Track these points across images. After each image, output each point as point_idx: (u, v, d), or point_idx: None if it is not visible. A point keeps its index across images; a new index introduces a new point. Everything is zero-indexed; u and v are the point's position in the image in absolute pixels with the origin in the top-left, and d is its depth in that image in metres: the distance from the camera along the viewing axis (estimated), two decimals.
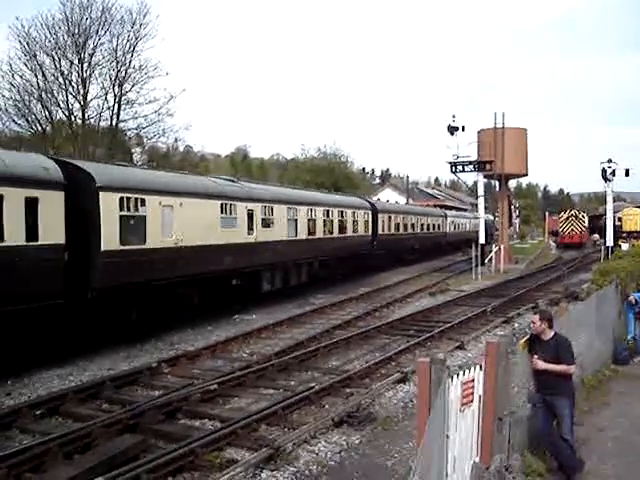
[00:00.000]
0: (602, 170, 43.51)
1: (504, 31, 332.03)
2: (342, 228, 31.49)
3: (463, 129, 40.05)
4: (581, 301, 16.40)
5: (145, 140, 45.29)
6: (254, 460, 8.39)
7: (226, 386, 12.20)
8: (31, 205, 13.38)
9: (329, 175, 65.78)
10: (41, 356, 14.09)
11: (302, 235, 26.81)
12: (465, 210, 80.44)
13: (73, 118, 40.87)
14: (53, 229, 13.96)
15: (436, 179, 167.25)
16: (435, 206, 68.50)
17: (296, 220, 26.29)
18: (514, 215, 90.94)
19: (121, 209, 15.94)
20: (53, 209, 13.97)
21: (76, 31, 39.67)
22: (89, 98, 40.71)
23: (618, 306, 15.02)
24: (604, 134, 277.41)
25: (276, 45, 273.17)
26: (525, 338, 8.21)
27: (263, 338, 17.75)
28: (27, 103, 39.35)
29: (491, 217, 57.19)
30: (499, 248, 40.62)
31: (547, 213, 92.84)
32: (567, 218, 68.02)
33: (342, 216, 31.60)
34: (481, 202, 43.17)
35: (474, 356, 14.76)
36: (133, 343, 16.64)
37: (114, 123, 41.78)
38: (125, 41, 40.85)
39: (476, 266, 35.51)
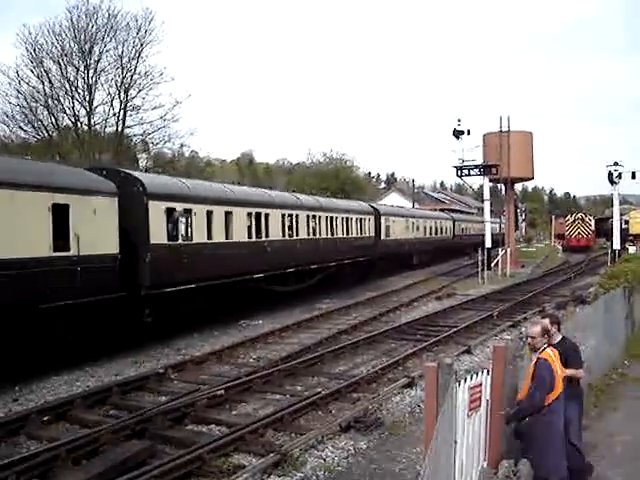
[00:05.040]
0: (608, 173, 43.43)
1: (509, 35, 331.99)
2: (440, 232, 52.08)
3: (469, 133, 40.08)
4: (588, 305, 16.35)
5: (151, 146, 45.57)
6: (261, 465, 8.38)
7: (233, 391, 12.20)
8: (368, 221, 34.88)
9: (335, 180, 65.86)
10: (48, 362, 14.14)
11: (427, 235, 47.86)
12: (473, 214, 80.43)
13: (79, 124, 41.17)
14: (370, 230, 35.08)
15: (442, 183, 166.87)
16: (442, 210, 68.55)
17: (425, 226, 47.47)
18: (520, 219, 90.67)
19: (385, 222, 37.66)
20: (370, 222, 35.16)
21: (82, 38, 40.02)
22: (95, 104, 41.06)
23: (626, 310, 14.96)
24: (610, 137, 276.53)
25: (281, 50, 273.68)
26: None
27: (269, 343, 17.76)
28: (34, 110, 39.67)
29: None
30: (505, 252, 40.57)
31: (553, 216, 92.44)
32: (573, 221, 67.72)
33: (440, 224, 52.23)
34: (487, 206, 43.14)
35: (481, 360, 14.72)
36: (140, 348, 16.66)
37: (120, 129, 42.04)
38: (131, 47, 41.25)
39: (482, 270, 35.46)
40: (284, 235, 24.86)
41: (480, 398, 6.69)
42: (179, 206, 18.31)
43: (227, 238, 20.59)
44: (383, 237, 36.94)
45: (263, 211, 23.17)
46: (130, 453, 8.66)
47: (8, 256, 12.61)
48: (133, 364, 15.39)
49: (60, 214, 14.01)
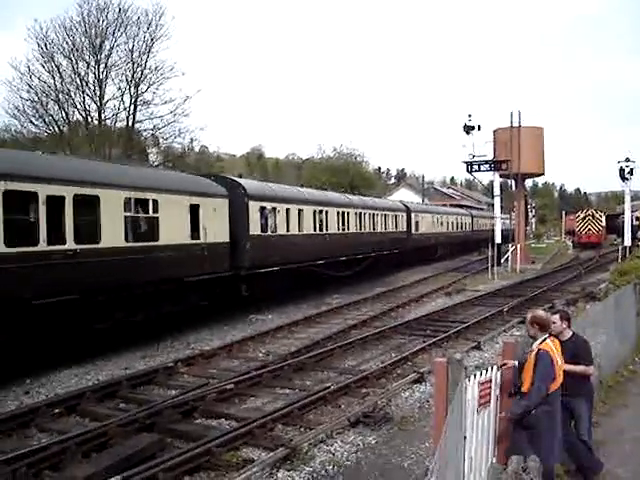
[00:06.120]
0: (620, 169, 43.23)
1: (521, 30, 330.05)
2: (461, 227, 57.33)
3: (479, 128, 39.90)
4: (599, 301, 16.29)
5: (161, 140, 45.57)
6: (270, 460, 8.40)
7: (242, 386, 12.23)
8: (401, 217, 40.11)
9: (345, 175, 65.78)
10: (59, 355, 14.22)
11: (450, 230, 52.60)
12: (482, 210, 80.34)
13: (90, 119, 41.22)
14: (403, 225, 40.28)
15: (452, 178, 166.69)
16: (457, 206, 68.66)
17: (448, 222, 52.10)
18: (530, 215, 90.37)
19: (415, 218, 42.19)
20: (403, 218, 40.39)
21: (93, 33, 40.06)
22: (105, 99, 41.10)
23: (637, 306, 14.86)
24: (622, 133, 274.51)
25: (292, 45, 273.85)
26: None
27: (279, 338, 17.79)
28: (44, 104, 39.76)
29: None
30: (515, 248, 40.42)
31: (564, 212, 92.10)
32: (584, 217, 67.31)
33: (461, 220, 57.16)
34: (497, 202, 42.99)
35: (490, 356, 14.68)
36: (149, 342, 16.73)
37: (130, 124, 42.07)
38: (141, 42, 41.23)
39: (492, 266, 35.36)
40: (338, 229, 29.98)
41: (490, 394, 6.67)
42: (268, 205, 23.09)
43: (299, 231, 25.63)
44: (413, 231, 41.93)
45: (324, 209, 28.42)
46: (139, 446, 8.69)
47: (171, 242, 17.33)
48: (143, 358, 15.47)
49: (194, 212, 18.57)
